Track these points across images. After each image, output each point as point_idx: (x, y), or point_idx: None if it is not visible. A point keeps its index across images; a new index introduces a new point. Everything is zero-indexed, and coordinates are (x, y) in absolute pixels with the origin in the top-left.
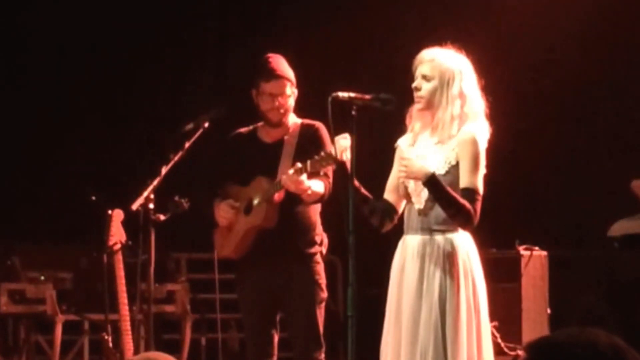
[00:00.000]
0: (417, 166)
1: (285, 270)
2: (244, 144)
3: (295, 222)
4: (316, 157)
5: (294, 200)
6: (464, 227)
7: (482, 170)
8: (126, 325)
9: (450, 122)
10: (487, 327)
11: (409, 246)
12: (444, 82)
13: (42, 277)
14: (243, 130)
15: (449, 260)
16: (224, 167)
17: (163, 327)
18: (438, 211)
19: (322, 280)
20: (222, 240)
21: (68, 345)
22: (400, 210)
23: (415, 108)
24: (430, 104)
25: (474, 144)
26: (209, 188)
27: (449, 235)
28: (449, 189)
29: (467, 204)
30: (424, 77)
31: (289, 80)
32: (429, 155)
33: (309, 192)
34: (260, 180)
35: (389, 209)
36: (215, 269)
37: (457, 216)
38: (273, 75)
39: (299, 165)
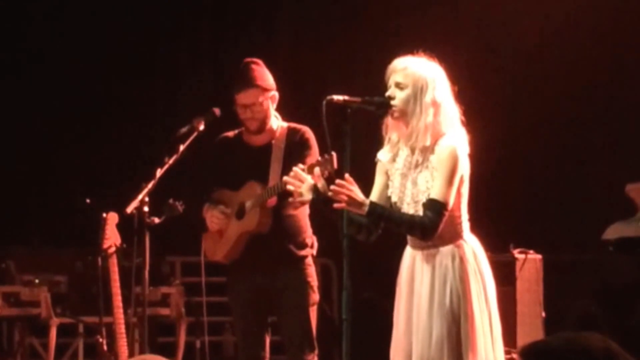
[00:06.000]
0: (359, 199)
1: (277, 273)
2: (231, 148)
3: (287, 226)
4: (313, 163)
5: (286, 205)
6: (422, 239)
7: (456, 184)
8: (121, 329)
9: (424, 131)
10: (498, 327)
11: (417, 260)
12: (417, 90)
13: (37, 280)
14: (229, 134)
15: (457, 269)
16: (213, 171)
17: (158, 330)
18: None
19: (314, 282)
20: (213, 245)
21: (62, 349)
22: None
23: (390, 118)
24: (404, 113)
25: (452, 157)
26: (198, 193)
27: (454, 244)
28: (390, 211)
29: (419, 217)
30: (398, 86)
31: (259, 87)
32: (417, 179)
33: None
34: (253, 185)
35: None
36: (202, 273)
37: (410, 232)
38: (242, 86)
39: (301, 166)
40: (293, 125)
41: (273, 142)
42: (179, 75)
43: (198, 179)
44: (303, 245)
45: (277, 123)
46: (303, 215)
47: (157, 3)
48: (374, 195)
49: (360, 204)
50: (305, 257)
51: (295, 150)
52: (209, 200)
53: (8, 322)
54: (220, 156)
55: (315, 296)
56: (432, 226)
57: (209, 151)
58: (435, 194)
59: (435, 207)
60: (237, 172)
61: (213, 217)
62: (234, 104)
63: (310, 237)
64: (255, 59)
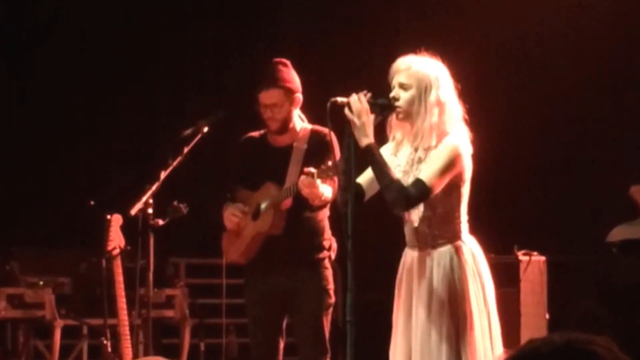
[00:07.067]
0: (364, 131)
1: (292, 276)
2: (254, 148)
3: (303, 228)
4: (322, 167)
5: (302, 206)
6: (392, 207)
7: (447, 178)
8: (125, 330)
9: (429, 131)
10: (497, 327)
11: (416, 260)
12: (422, 90)
13: (41, 282)
14: (254, 134)
15: (456, 269)
16: (234, 170)
17: (162, 332)
18: (434, 227)
19: (330, 285)
20: (229, 245)
21: (67, 350)
22: (367, 197)
23: (395, 118)
24: (409, 114)
25: (451, 152)
26: (219, 192)
27: (452, 244)
28: (386, 161)
29: (402, 186)
30: (402, 86)
31: (284, 88)
32: (412, 173)
33: (322, 197)
34: (269, 187)
35: (358, 192)
36: (223, 274)
37: (386, 191)
38: (265, 85)
39: (312, 170)
40: (317, 128)
41: (294, 144)
42: (184, 77)
43: (219, 177)
44: (320, 248)
45: (300, 125)
46: (322, 216)
47: (162, 4)
48: (365, 177)
49: (367, 135)
50: (322, 259)
51: (316, 153)
52: (229, 199)
53: (12, 323)
54: (243, 156)
55: (330, 300)
56: (407, 200)
57: (232, 150)
58: (425, 176)
59: (420, 187)
60: (257, 173)
61: (229, 214)
62: (258, 102)
63: (328, 240)
64: (283, 60)
